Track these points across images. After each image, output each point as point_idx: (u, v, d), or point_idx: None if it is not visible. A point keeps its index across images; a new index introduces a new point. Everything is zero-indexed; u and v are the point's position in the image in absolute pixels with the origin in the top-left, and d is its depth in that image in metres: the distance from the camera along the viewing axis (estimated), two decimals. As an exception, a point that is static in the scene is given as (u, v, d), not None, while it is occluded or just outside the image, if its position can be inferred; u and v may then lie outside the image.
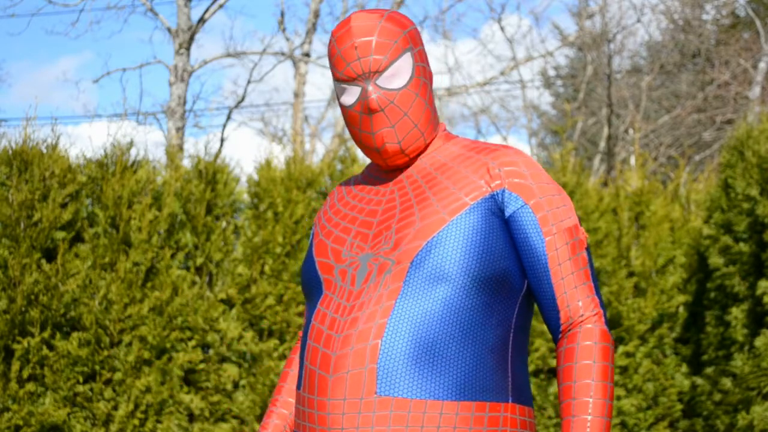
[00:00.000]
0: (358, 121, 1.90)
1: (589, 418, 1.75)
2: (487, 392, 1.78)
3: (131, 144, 5.62)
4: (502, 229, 1.83)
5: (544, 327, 5.98)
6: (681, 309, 6.35)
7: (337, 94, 1.95)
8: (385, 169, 1.98)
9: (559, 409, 1.75)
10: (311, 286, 1.92)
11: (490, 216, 1.83)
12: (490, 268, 1.79)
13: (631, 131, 17.41)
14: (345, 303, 1.82)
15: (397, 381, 1.74)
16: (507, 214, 1.84)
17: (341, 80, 1.91)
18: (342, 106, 1.93)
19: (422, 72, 1.93)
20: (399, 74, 1.89)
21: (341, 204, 2.00)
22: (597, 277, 1.90)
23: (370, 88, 1.87)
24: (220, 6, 12.02)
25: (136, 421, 5.27)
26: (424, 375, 1.74)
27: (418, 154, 1.95)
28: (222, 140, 14.88)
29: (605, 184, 10.75)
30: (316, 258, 1.93)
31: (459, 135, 2.09)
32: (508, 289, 1.83)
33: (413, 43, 1.92)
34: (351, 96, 1.90)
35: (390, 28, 1.89)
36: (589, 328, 1.81)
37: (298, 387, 1.87)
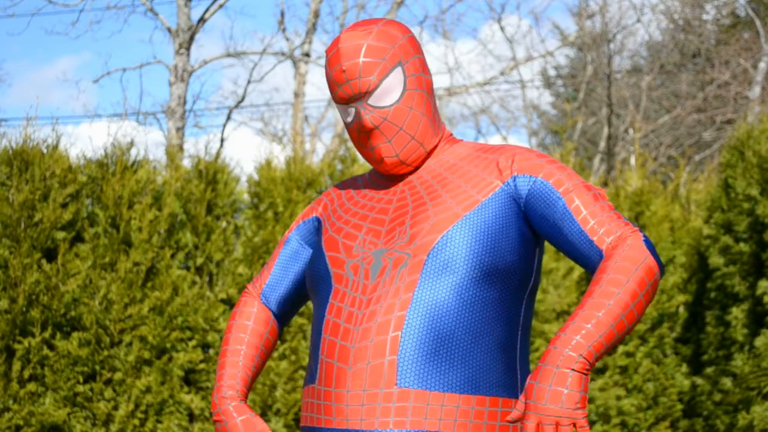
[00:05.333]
0: (357, 138, 1.95)
1: (600, 314, 1.69)
2: (499, 388, 1.81)
3: (131, 144, 5.62)
4: (517, 221, 1.86)
5: (545, 327, 5.98)
6: (681, 309, 6.35)
7: (340, 113, 1.99)
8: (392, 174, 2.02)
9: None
10: (319, 279, 1.94)
11: (504, 209, 1.86)
12: (501, 263, 1.82)
13: (631, 131, 17.41)
14: (361, 296, 1.84)
15: (417, 373, 1.77)
16: (523, 195, 1.87)
17: (337, 102, 1.95)
18: (345, 124, 1.98)
19: (416, 83, 1.94)
20: (390, 91, 1.91)
21: (351, 203, 2.02)
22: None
23: (363, 108, 1.91)
24: (220, 6, 12.02)
25: (136, 421, 5.27)
26: (442, 368, 1.78)
27: (423, 160, 1.98)
28: (222, 140, 14.88)
29: (605, 184, 10.75)
30: (327, 252, 1.95)
31: (458, 135, 2.12)
32: (517, 284, 1.86)
33: (404, 56, 1.94)
34: (348, 115, 1.95)
35: (378, 45, 1.91)
36: (634, 243, 1.77)
37: (312, 381, 1.87)
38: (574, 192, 1.84)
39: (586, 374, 1.66)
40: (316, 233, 2.06)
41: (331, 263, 1.92)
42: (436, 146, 1.99)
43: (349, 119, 1.94)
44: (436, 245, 1.82)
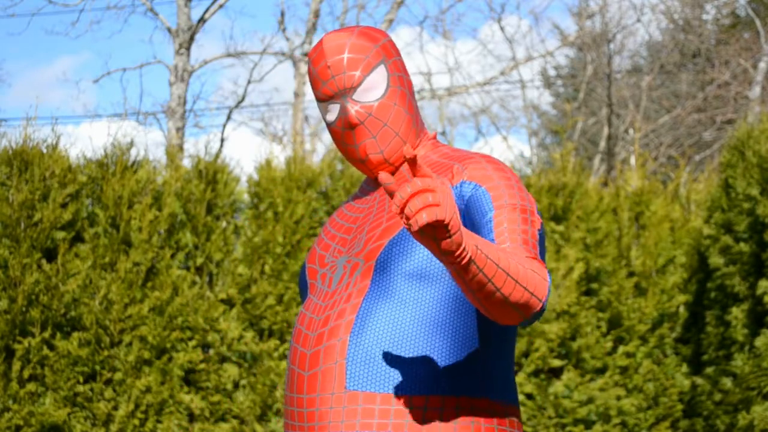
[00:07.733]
0: (341, 136, 1.97)
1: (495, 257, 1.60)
2: (457, 388, 1.79)
3: (131, 144, 5.62)
4: (463, 222, 1.84)
5: (545, 327, 5.98)
6: (681, 309, 6.35)
7: (321, 113, 2.01)
8: (375, 180, 2.05)
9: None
10: (303, 291, 2.02)
11: None
12: None
13: (631, 131, 17.42)
14: (320, 303, 1.90)
15: (364, 376, 1.79)
16: (465, 200, 1.84)
17: (321, 99, 1.98)
18: (326, 124, 2.00)
19: (399, 82, 1.98)
20: (374, 87, 1.95)
21: (339, 216, 2.08)
22: (544, 257, 1.83)
23: (348, 103, 1.94)
24: (220, 6, 12.03)
25: (136, 421, 5.27)
26: (391, 370, 1.79)
27: (403, 162, 1.99)
28: (222, 140, 14.89)
29: (605, 184, 10.75)
30: (307, 264, 2.02)
31: (458, 135, 2.12)
32: None
33: (387, 55, 1.98)
34: (332, 114, 1.97)
35: (361, 43, 1.96)
36: (539, 267, 1.70)
37: (285, 387, 1.94)
38: (507, 209, 1.79)
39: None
40: None
41: (309, 274, 1.99)
42: (416, 148, 2.01)
43: (332, 117, 1.97)
44: (384, 250, 1.85)
